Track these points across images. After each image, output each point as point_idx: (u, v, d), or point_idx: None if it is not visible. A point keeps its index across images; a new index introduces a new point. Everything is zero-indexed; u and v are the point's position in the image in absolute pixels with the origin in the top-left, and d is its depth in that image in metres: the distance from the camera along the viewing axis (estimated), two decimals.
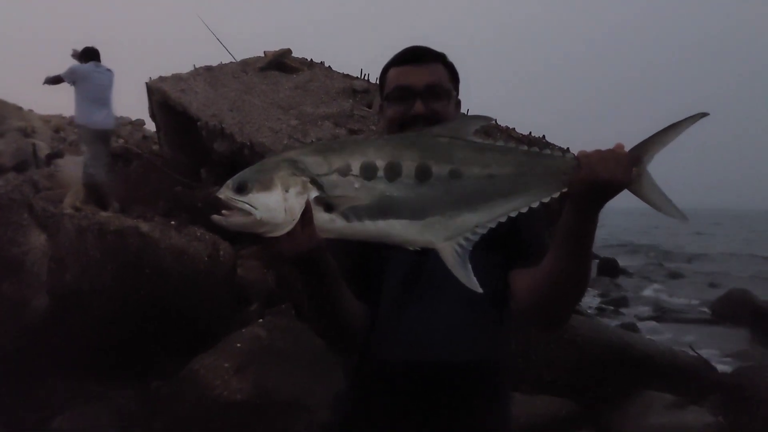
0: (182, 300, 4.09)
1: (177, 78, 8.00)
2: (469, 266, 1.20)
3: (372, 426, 1.43)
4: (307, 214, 1.10)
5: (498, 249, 1.40)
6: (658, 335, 7.19)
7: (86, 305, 3.57)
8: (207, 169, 7.49)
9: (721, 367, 4.87)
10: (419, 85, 1.43)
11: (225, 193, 1.09)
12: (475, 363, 1.41)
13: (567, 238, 1.22)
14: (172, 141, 8.04)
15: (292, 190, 1.09)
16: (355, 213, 1.14)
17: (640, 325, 8.11)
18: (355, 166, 1.13)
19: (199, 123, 6.98)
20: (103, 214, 4.25)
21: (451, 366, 1.39)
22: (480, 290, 1.18)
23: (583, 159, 1.15)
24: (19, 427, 3.05)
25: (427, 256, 1.37)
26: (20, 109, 17.60)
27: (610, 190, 1.14)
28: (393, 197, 1.15)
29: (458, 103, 1.52)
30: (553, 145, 5.86)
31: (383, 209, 1.15)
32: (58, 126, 18.26)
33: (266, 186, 1.08)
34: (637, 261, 18.26)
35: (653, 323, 8.52)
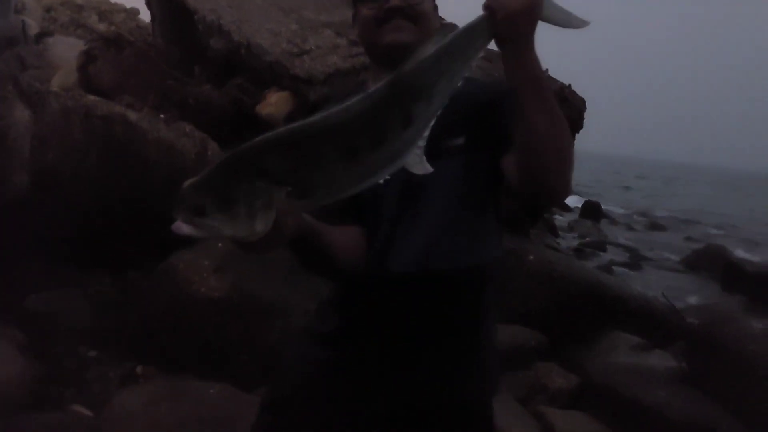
0: (166, 194, 4.03)
1: None
2: (425, 159, 1.13)
3: (360, 334, 1.43)
4: (277, 220, 1.00)
5: (483, 147, 1.38)
6: (632, 281, 7.31)
7: (67, 189, 3.51)
8: (201, 66, 7.28)
9: (690, 318, 4.96)
10: None
11: (183, 215, 0.97)
12: (468, 270, 1.40)
13: (520, 90, 1.18)
14: (166, 33, 7.76)
15: (258, 202, 0.96)
16: (332, 188, 1.05)
17: (615, 269, 8.24)
18: (329, 152, 1.02)
19: (196, 16, 6.74)
20: (91, 97, 4.13)
21: (439, 273, 1.38)
22: (430, 169, 1.13)
23: (492, 3, 1.13)
24: None
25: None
26: None
27: (529, 19, 1.13)
28: (373, 164, 1.07)
29: (435, 7, 1.45)
30: (555, 80, 5.75)
31: (364, 176, 1.07)
32: (50, 5, 17.58)
33: (226, 206, 0.95)
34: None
35: (628, 269, 8.68)
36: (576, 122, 5.79)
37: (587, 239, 10.61)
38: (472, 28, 1.14)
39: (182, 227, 0.97)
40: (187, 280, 3.13)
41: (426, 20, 1.39)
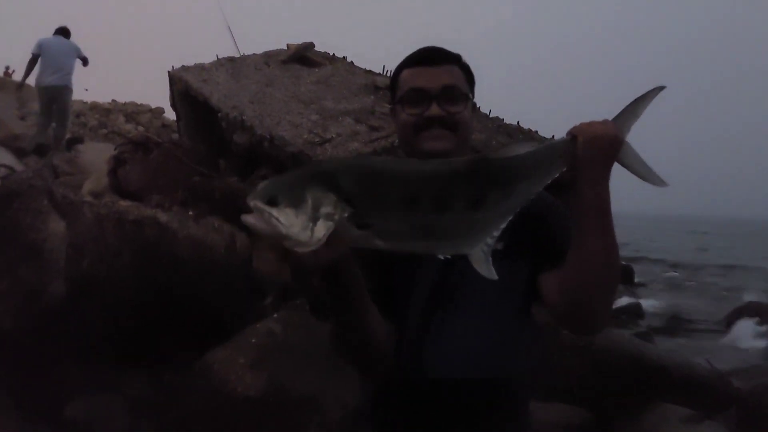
0: (198, 291, 4.09)
1: (199, 68, 8.00)
2: (491, 260, 1.19)
3: None
4: (334, 234, 1.05)
5: (524, 257, 1.37)
6: (673, 346, 7.12)
7: (102, 293, 3.57)
8: (226, 161, 7.49)
9: (737, 382, 4.79)
10: (434, 87, 1.38)
11: (254, 201, 1.06)
12: (503, 378, 1.38)
13: (585, 214, 1.22)
14: (191, 131, 8.04)
15: (323, 210, 1.05)
16: (391, 234, 1.10)
17: (655, 334, 8.03)
18: (397, 194, 1.10)
19: (219, 114, 6.98)
20: (123, 203, 4.26)
21: (478, 382, 1.36)
22: (495, 277, 1.17)
23: (576, 130, 1.21)
24: (33, 412, 3.06)
25: (452, 271, 1.35)
26: None
27: (610, 148, 1.20)
28: (434, 227, 1.13)
29: (474, 106, 1.48)
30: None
31: (424, 235, 1.13)
32: (79, 111, 18.35)
33: (296, 203, 1.04)
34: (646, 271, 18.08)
35: (667, 334, 8.46)
36: None
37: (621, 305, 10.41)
38: (557, 147, 1.23)
39: (249, 218, 1.06)
40: (222, 379, 3.13)
41: (465, 128, 1.41)
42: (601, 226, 1.22)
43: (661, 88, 1.27)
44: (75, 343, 3.36)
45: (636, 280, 14.60)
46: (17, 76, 17.74)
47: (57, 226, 3.19)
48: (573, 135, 1.21)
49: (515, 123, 5.95)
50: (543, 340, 1.53)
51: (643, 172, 1.27)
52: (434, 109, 1.37)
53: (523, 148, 1.20)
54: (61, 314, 3.30)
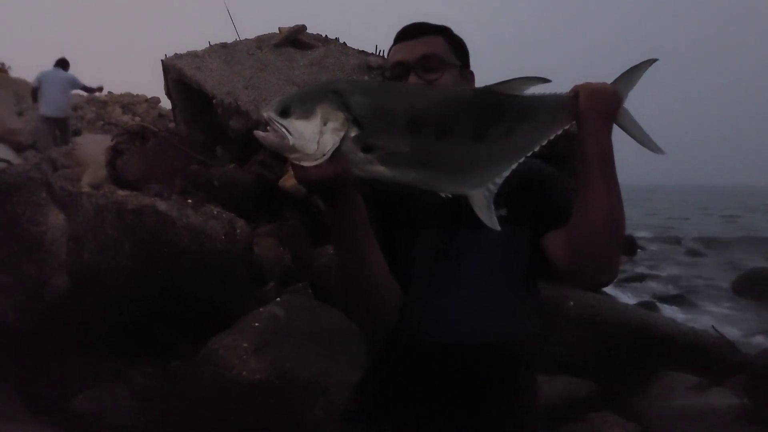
0: (199, 279, 4.08)
1: (192, 55, 7.95)
2: (493, 209, 1.25)
3: (400, 412, 1.39)
4: (338, 151, 1.09)
5: (526, 222, 1.39)
6: (678, 314, 7.12)
7: (104, 284, 3.57)
8: (223, 147, 7.47)
9: (745, 348, 4.79)
10: (411, 59, 1.42)
11: (268, 111, 1.10)
12: (507, 344, 1.38)
13: (589, 164, 1.26)
14: (187, 119, 8.01)
15: (330, 125, 1.09)
16: (394, 159, 1.14)
17: (659, 303, 8.03)
18: (403, 117, 1.14)
19: (214, 101, 6.94)
20: (121, 192, 4.24)
21: (483, 346, 1.36)
22: (498, 228, 1.23)
23: (577, 86, 1.27)
24: (40, 405, 3.07)
25: (456, 234, 1.35)
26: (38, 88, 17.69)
27: (610, 101, 1.26)
28: (438, 154, 1.17)
29: (471, 75, 1.49)
30: None
31: (426, 162, 1.17)
32: (75, 104, 18.28)
33: (306, 115, 1.08)
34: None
35: (673, 303, 8.45)
36: None
37: (624, 275, 10.41)
38: (561, 98, 1.27)
39: (260, 133, 1.10)
40: (227, 364, 3.13)
41: None
42: (604, 175, 1.25)
43: (654, 60, 1.32)
44: (79, 335, 3.36)
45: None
46: (13, 73, 17.66)
47: (56, 218, 3.18)
48: (575, 91, 1.27)
49: None
50: (545, 308, 1.52)
51: (640, 136, 1.32)
52: (411, 79, 1.40)
53: (529, 90, 1.24)
54: (64, 307, 3.31)
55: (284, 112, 1.09)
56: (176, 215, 4.26)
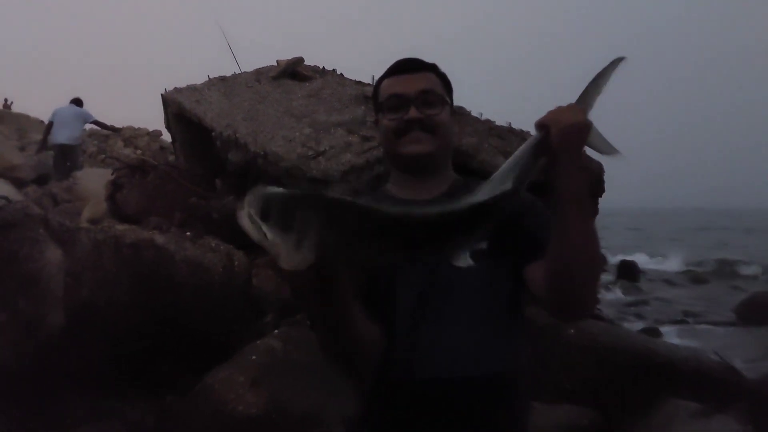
0: (197, 312, 4.08)
1: (192, 89, 8.03)
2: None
3: None
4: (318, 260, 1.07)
5: (507, 254, 1.40)
6: (681, 340, 7.07)
7: (102, 320, 3.57)
8: (222, 180, 7.50)
9: (749, 374, 4.75)
10: (411, 92, 1.45)
11: (247, 209, 1.08)
12: (495, 376, 1.38)
13: (563, 203, 1.25)
14: (187, 152, 8.05)
15: (309, 235, 1.05)
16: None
17: (662, 329, 7.98)
18: (383, 242, 1.11)
19: (213, 133, 6.99)
20: (120, 227, 4.26)
21: (470, 381, 1.36)
22: (471, 262, 1.23)
23: (547, 120, 1.25)
24: None
25: (438, 270, 1.36)
26: (42, 122, 17.88)
27: (579, 134, 1.24)
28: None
29: (454, 112, 1.54)
30: None
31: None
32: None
33: (285, 224, 1.05)
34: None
35: (675, 327, 8.40)
36: (596, 187, 5.78)
37: (627, 299, 10.36)
38: (532, 147, 1.26)
39: (244, 219, 1.08)
40: (223, 398, 3.12)
41: (444, 130, 1.48)
42: (579, 210, 1.25)
43: (621, 59, 1.31)
44: (75, 372, 3.35)
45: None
46: (16, 108, 17.80)
47: (53, 254, 3.19)
48: (544, 126, 1.25)
49: (507, 124, 5.95)
50: (532, 338, 1.52)
51: (604, 147, 1.33)
52: (413, 113, 1.44)
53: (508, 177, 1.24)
54: (60, 344, 3.30)
55: (263, 215, 1.07)
56: (174, 248, 4.28)
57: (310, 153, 6.12)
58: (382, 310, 1.37)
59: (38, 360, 3.15)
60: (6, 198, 3.46)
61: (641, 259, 17.40)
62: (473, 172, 5.20)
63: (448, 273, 1.37)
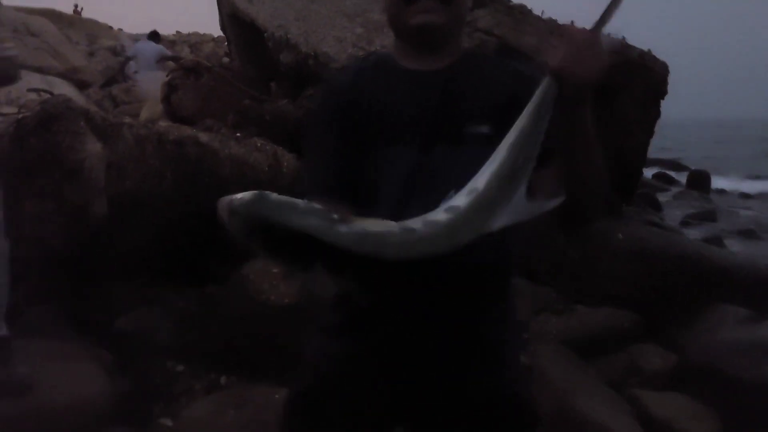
0: None
1: None
2: None
3: (375, 325, 1.38)
4: None
5: None
6: (745, 250, 6.79)
7: (146, 212, 3.68)
8: (276, 82, 7.48)
9: None
10: None
11: (235, 224, 1.13)
12: (479, 268, 1.32)
13: (573, 141, 1.21)
14: (242, 54, 8.05)
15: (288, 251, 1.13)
16: None
17: (727, 240, 7.68)
18: None
19: (265, 34, 6.93)
20: (163, 124, 4.32)
21: (450, 270, 1.29)
22: None
23: (560, 69, 1.14)
24: (85, 327, 3.24)
25: (430, 155, 1.30)
26: (110, 28, 18.19)
27: (597, 81, 1.14)
28: None
29: None
30: (634, 48, 5.43)
31: None
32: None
33: (267, 248, 1.14)
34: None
35: (741, 238, 8.06)
36: (659, 88, 5.46)
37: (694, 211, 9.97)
38: (544, 93, 1.17)
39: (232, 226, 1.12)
40: (257, 289, 3.20)
41: (459, 1, 1.35)
42: (587, 152, 1.21)
43: None
44: (122, 260, 3.50)
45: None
46: (85, 14, 18.09)
47: (94, 146, 3.28)
48: (556, 74, 1.15)
49: (570, 23, 5.62)
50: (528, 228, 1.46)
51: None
52: None
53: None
54: (106, 233, 3.43)
55: (247, 232, 1.12)
56: (218, 146, 4.32)
57: (361, 53, 5.98)
58: (369, 187, 1.33)
59: (86, 247, 3.29)
60: (49, 92, 3.53)
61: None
62: None
63: (443, 155, 1.31)
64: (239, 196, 1.10)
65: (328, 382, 1.41)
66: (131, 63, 9.81)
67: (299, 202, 1.09)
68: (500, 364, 1.38)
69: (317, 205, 1.09)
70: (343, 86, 1.42)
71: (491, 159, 1.17)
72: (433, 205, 1.30)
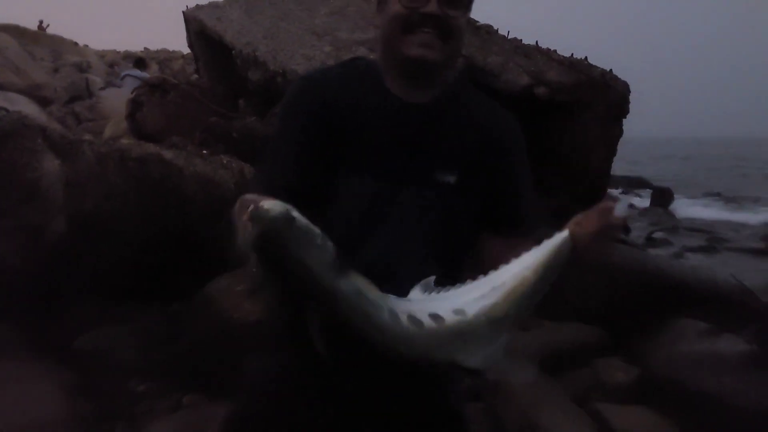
0: (207, 226, 4.11)
1: (213, 6, 7.94)
2: None
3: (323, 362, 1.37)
4: None
5: (475, 198, 1.33)
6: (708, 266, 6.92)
7: (108, 230, 3.62)
8: (245, 99, 7.47)
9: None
10: None
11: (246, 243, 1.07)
12: None
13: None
14: (210, 71, 8.03)
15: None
16: None
17: (690, 255, 7.84)
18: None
19: (233, 51, 6.92)
20: (125, 141, 4.28)
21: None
22: None
23: (577, 241, 1.24)
24: (42, 347, 3.17)
25: (399, 189, 1.30)
26: (76, 44, 17.98)
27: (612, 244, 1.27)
28: None
29: (470, 23, 1.45)
30: (596, 67, 5.54)
31: None
32: (112, 61, 18.49)
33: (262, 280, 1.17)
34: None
35: (702, 254, 8.24)
36: (621, 107, 5.57)
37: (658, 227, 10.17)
38: (558, 249, 1.25)
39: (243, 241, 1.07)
40: (221, 307, 3.17)
41: (458, 38, 1.33)
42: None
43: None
44: (84, 279, 3.43)
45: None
46: (50, 30, 17.86)
47: (51, 164, 3.23)
48: (571, 243, 1.24)
49: (533, 43, 5.72)
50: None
51: None
52: (432, 6, 1.27)
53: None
54: (66, 251, 3.37)
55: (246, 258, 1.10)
56: (183, 164, 4.28)
57: None
58: (331, 211, 1.29)
59: (44, 265, 3.23)
60: (4, 108, 3.48)
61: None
62: (497, 92, 5.04)
63: (408, 199, 1.30)
64: (267, 204, 1.03)
65: (263, 403, 1.37)
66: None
67: (319, 232, 1.08)
68: (438, 383, 1.37)
69: (330, 242, 1.09)
70: (321, 88, 1.37)
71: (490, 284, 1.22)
72: (391, 247, 1.28)
